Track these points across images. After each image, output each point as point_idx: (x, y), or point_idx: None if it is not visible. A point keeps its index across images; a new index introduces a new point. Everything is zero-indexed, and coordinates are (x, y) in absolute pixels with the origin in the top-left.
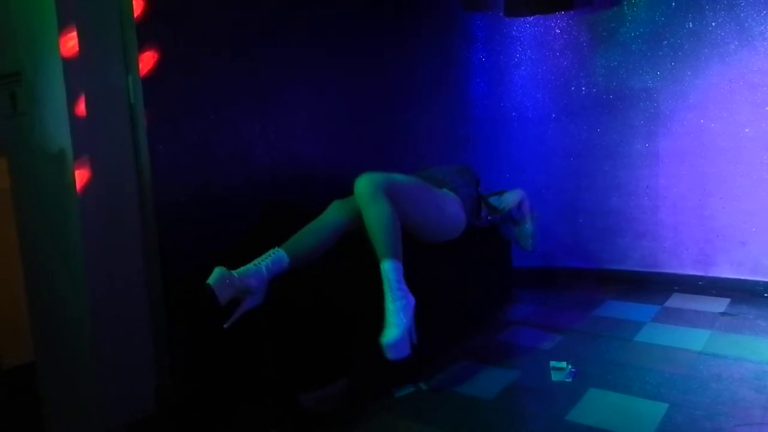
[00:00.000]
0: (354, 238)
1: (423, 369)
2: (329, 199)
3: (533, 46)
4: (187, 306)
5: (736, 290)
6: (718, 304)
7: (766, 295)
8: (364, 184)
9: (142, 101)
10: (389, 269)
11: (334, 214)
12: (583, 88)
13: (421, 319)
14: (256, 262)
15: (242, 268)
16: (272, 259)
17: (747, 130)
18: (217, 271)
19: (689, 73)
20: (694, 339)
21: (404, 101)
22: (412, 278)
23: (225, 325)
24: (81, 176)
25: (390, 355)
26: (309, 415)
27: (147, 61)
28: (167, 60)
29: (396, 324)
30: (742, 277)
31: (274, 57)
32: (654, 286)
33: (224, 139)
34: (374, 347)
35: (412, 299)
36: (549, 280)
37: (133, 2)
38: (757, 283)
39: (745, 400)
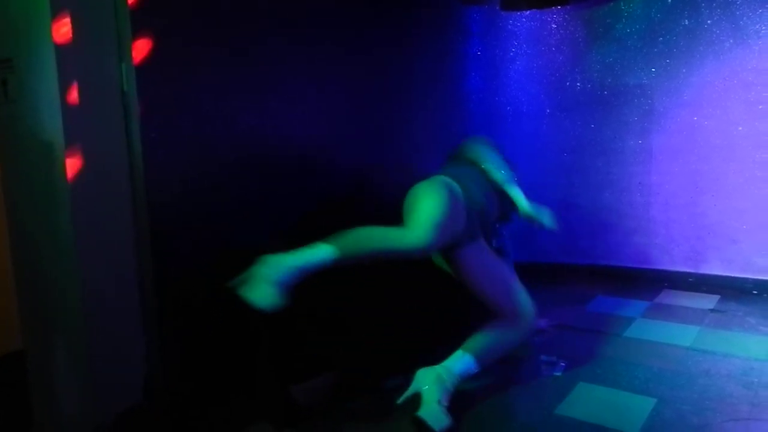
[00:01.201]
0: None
1: (412, 360)
2: (327, 194)
3: (529, 41)
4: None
5: (725, 287)
6: (708, 301)
7: (755, 292)
8: None
9: (135, 89)
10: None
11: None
12: (578, 84)
13: (412, 322)
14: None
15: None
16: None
17: (740, 128)
18: None
19: (684, 70)
20: (683, 335)
21: (401, 95)
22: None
23: None
24: (72, 165)
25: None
26: (300, 408)
27: (141, 49)
28: (162, 48)
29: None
30: (732, 275)
31: (272, 50)
32: (644, 282)
33: (220, 130)
34: (365, 341)
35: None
36: (541, 276)
37: None
38: (746, 280)
39: (733, 396)
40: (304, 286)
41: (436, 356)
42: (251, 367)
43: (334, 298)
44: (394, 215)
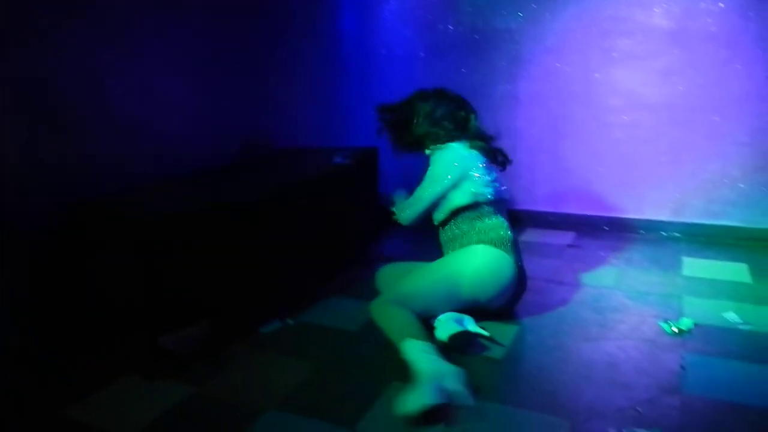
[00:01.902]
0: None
1: (289, 306)
2: (190, 150)
3: None
4: None
5: (581, 225)
6: (566, 238)
7: (606, 228)
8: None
9: None
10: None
11: None
12: (450, 27)
13: (288, 257)
14: None
15: None
16: None
17: (597, 75)
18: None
19: (548, 15)
20: (543, 269)
21: (272, 39)
22: (276, 219)
23: None
24: None
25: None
26: (170, 357)
27: None
28: None
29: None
30: (588, 213)
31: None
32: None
33: (68, 65)
34: (236, 287)
35: None
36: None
37: None
38: (599, 218)
39: (585, 320)
40: (172, 234)
41: (313, 295)
42: (115, 318)
43: (206, 246)
44: (281, 165)
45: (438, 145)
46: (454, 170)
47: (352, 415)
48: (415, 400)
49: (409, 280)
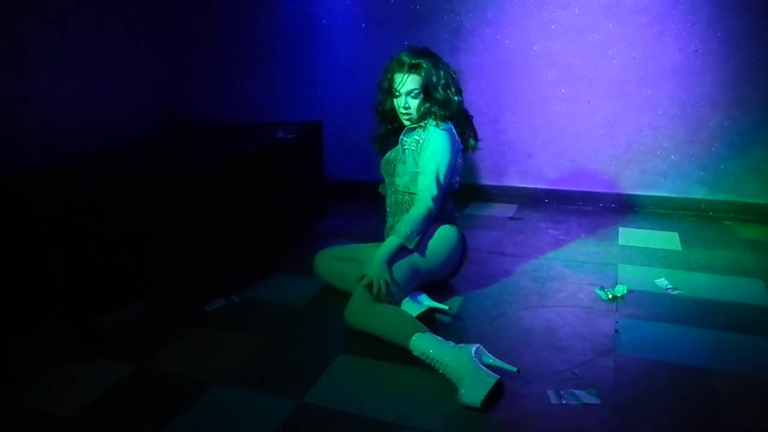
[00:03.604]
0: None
1: (233, 282)
2: (121, 125)
3: None
4: None
5: (522, 197)
6: (508, 210)
7: (546, 200)
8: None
9: None
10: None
11: None
12: None
13: (231, 234)
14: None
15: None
16: None
17: (535, 47)
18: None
19: None
20: (486, 241)
21: (209, 9)
22: (218, 194)
23: None
24: None
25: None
26: (104, 337)
27: None
28: None
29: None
30: (528, 186)
31: None
32: (455, 196)
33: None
34: (176, 264)
35: None
36: (355, 193)
37: None
38: (540, 190)
39: (525, 289)
40: (104, 210)
41: (258, 272)
42: (46, 297)
43: (141, 223)
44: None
45: (440, 123)
46: (454, 157)
47: (299, 388)
48: (477, 390)
49: None
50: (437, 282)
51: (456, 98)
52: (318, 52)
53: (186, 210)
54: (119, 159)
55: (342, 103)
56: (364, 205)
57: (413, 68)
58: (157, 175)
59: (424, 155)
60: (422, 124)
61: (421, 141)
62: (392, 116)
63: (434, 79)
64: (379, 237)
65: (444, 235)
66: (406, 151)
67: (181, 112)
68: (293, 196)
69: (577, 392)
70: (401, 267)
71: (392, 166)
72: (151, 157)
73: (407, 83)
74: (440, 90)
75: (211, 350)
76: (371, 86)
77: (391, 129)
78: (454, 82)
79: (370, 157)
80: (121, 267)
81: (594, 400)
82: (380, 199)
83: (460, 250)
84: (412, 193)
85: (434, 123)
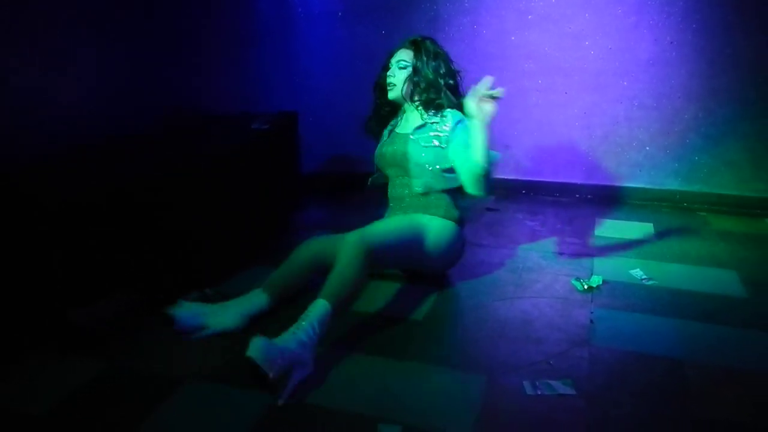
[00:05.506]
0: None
1: (209, 276)
2: (95, 119)
3: None
4: None
5: (500, 188)
6: (485, 201)
7: (523, 191)
8: (353, 243)
9: None
10: (321, 308)
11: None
12: None
13: (207, 227)
14: None
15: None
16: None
17: (513, 37)
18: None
19: None
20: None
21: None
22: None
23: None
24: None
25: (251, 352)
26: (80, 332)
27: None
28: None
29: (283, 344)
30: (506, 177)
31: None
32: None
33: None
34: (153, 259)
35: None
36: (345, 185)
37: None
38: (517, 181)
39: (502, 280)
40: (79, 207)
41: (234, 265)
42: (19, 290)
43: (116, 218)
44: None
45: (458, 111)
46: None
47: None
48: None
49: (378, 226)
50: (423, 273)
51: (442, 81)
52: (294, 40)
53: (159, 205)
54: (90, 157)
55: (320, 94)
56: (343, 197)
57: (413, 44)
58: (130, 172)
59: (463, 138)
60: (436, 119)
61: (447, 129)
62: (381, 92)
63: (428, 60)
64: (353, 227)
65: (448, 231)
66: (426, 147)
67: (155, 105)
68: (268, 188)
69: (553, 383)
70: (402, 230)
71: (395, 160)
72: (123, 154)
73: (400, 53)
74: (431, 72)
75: (187, 345)
76: (349, 75)
77: (383, 114)
78: (450, 74)
79: (348, 148)
80: (93, 263)
81: (569, 391)
82: (359, 192)
83: (458, 251)
84: (430, 193)
85: (452, 111)
